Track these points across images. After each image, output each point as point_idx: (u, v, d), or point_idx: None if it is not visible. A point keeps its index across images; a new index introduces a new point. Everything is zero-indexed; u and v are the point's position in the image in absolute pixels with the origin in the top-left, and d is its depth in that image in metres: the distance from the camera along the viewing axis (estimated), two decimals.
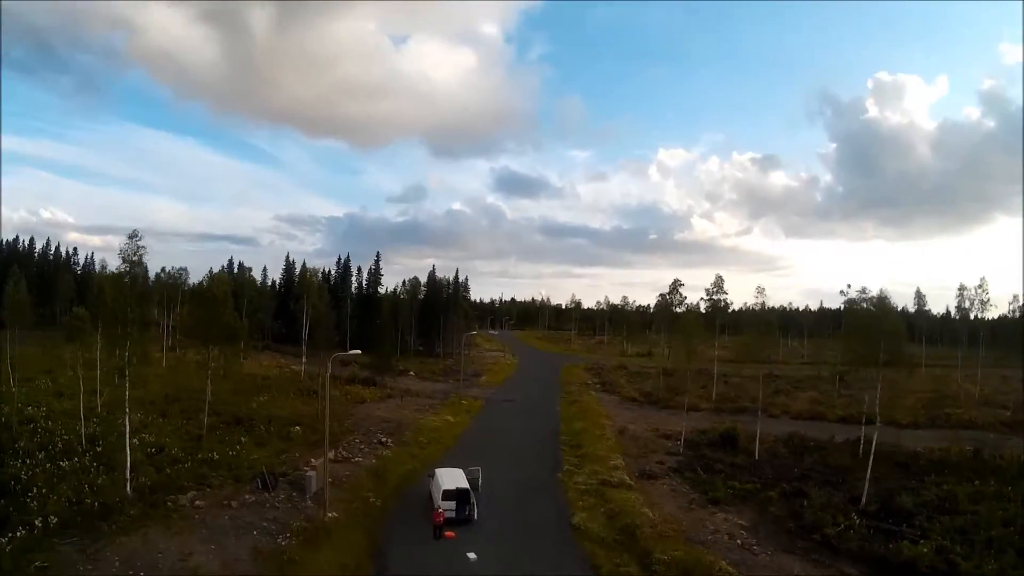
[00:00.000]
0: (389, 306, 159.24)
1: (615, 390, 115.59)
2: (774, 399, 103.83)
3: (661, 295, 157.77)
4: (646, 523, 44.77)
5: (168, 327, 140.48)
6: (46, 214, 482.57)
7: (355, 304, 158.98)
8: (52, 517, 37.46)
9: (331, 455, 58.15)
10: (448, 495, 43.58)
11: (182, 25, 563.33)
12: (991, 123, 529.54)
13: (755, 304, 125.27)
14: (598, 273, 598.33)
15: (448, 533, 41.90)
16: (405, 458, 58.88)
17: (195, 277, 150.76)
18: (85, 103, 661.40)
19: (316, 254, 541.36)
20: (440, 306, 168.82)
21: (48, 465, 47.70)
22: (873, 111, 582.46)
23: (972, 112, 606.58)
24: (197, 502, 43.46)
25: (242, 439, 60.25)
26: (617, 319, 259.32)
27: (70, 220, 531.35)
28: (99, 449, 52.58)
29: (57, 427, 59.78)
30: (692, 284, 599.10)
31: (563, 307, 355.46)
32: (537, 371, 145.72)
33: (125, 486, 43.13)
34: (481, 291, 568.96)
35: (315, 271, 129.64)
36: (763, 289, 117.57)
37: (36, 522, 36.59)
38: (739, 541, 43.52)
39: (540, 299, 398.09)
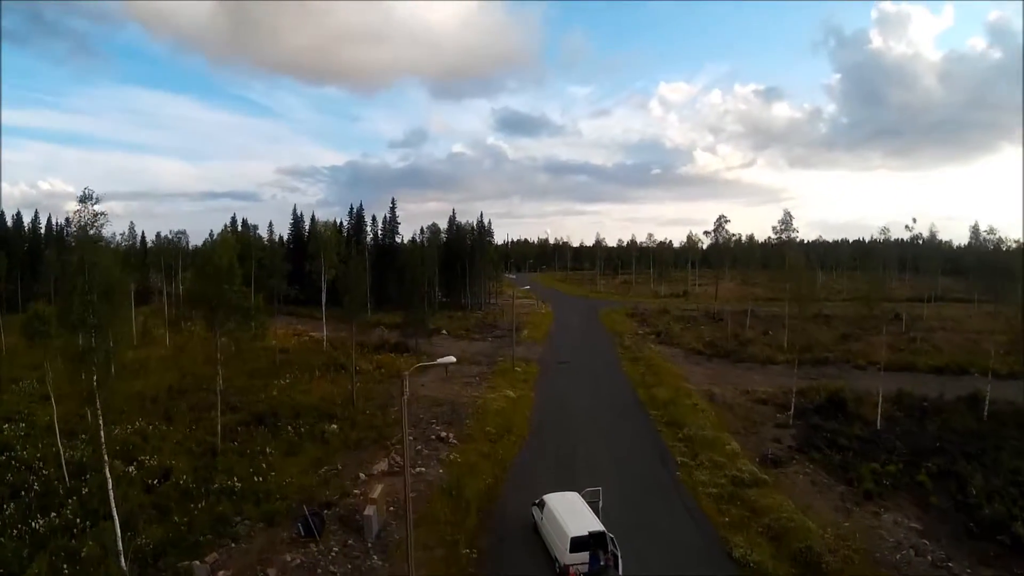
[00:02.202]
0: (410, 257, 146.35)
1: (672, 340, 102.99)
2: (848, 346, 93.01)
3: (708, 231, 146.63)
4: (819, 544, 33.52)
5: (171, 297, 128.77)
6: (45, 186, 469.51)
7: (373, 256, 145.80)
8: None
9: (383, 465, 46.01)
10: (578, 544, 30.86)
11: None
12: (997, 54, 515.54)
13: (784, 235, 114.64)
14: (601, 209, 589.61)
15: None
16: (478, 462, 46.10)
17: (200, 239, 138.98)
18: (80, 68, 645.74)
19: (320, 204, 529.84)
20: (465, 253, 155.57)
21: (20, 527, 35.36)
22: (877, 41, 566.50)
23: (978, 43, 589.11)
24: (220, 573, 31.07)
25: (268, 450, 47.90)
26: (645, 257, 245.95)
27: (70, 189, 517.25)
28: (85, 488, 40.17)
29: (37, 452, 47.72)
30: (697, 218, 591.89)
31: (582, 246, 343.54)
32: (576, 319, 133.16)
33: (119, 559, 30.65)
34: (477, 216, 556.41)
35: (328, 225, 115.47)
36: (791, 217, 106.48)
37: None
38: (929, 557, 33.87)
39: (556, 239, 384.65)
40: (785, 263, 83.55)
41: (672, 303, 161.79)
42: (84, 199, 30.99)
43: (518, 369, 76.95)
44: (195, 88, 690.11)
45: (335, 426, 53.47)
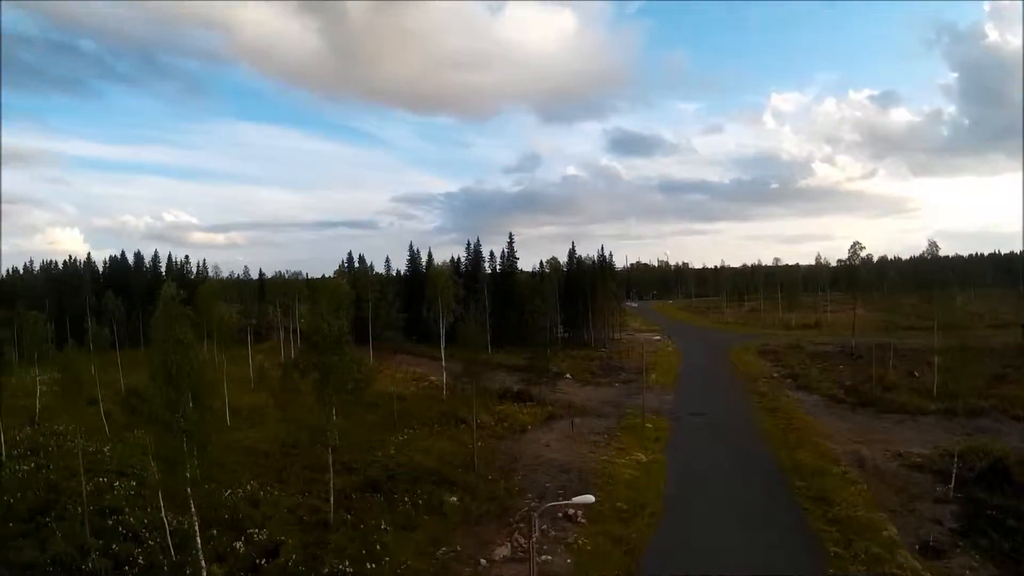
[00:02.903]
0: (530, 293, 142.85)
1: (809, 385, 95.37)
2: (1003, 389, 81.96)
3: (846, 258, 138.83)
4: None
5: (289, 332, 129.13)
6: (169, 217, 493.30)
7: (491, 291, 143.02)
8: None
9: (505, 549, 41.94)
10: None
11: (278, 18, 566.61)
12: None
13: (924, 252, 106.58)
14: (721, 228, 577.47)
15: None
16: (610, 550, 41.44)
17: (316, 268, 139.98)
18: (193, 106, 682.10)
19: (436, 231, 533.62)
20: (586, 286, 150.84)
21: None
22: (993, 35, 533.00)
23: None
24: None
25: (383, 525, 44.53)
26: (771, 282, 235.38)
27: (193, 221, 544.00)
28: (189, 570, 37.60)
29: (145, 517, 45.89)
30: (819, 233, 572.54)
31: (704, 268, 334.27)
32: (705, 359, 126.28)
33: None
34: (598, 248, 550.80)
35: (443, 268, 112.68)
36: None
37: None
38: None
39: (675, 263, 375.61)
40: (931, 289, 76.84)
41: (804, 335, 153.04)
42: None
43: (648, 425, 71.69)
44: (306, 121, 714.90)
45: (454, 498, 49.73)
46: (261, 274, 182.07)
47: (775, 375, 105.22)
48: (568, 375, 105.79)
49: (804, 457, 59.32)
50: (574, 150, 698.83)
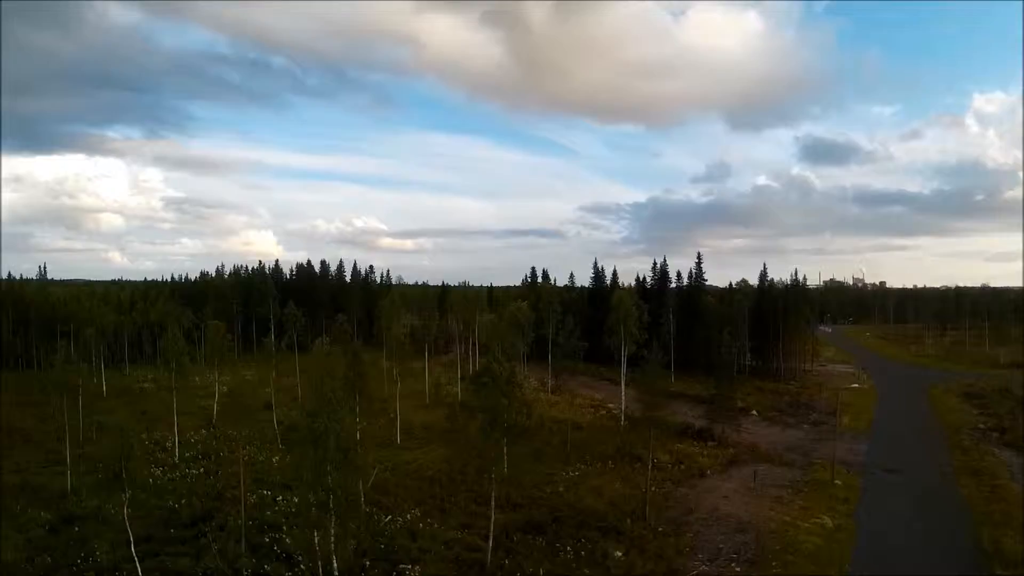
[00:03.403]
0: (717, 315, 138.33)
1: (1016, 441, 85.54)
2: None
3: None
4: None
5: (470, 344, 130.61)
6: (359, 222, 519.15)
7: (677, 315, 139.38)
8: None
9: None
10: None
11: (464, 31, 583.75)
12: None
13: None
14: (919, 244, 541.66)
15: None
16: None
17: (502, 276, 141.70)
18: (382, 117, 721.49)
19: (623, 242, 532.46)
20: (778, 311, 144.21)
21: None
22: None
23: None
24: None
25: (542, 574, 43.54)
26: (977, 309, 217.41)
27: (382, 227, 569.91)
28: None
29: (302, 536, 46.89)
30: None
31: (902, 289, 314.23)
32: (901, 401, 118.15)
33: None
34: (791, 271, 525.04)
35: (627, 294, 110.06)
36: None
37: None
38: None
39: (871, 282, 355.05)
40: None
41: (1015, 376, 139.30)
42: None
43: (837, 482, 67.01)
44: (492, 131, 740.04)
45: (620, 552, 48.05)
46: (444, 285, 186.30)
47: (980, 426, 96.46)
48: (754, 411, 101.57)
49: (1008, 543, 53.30)
50: (765, 158, 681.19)
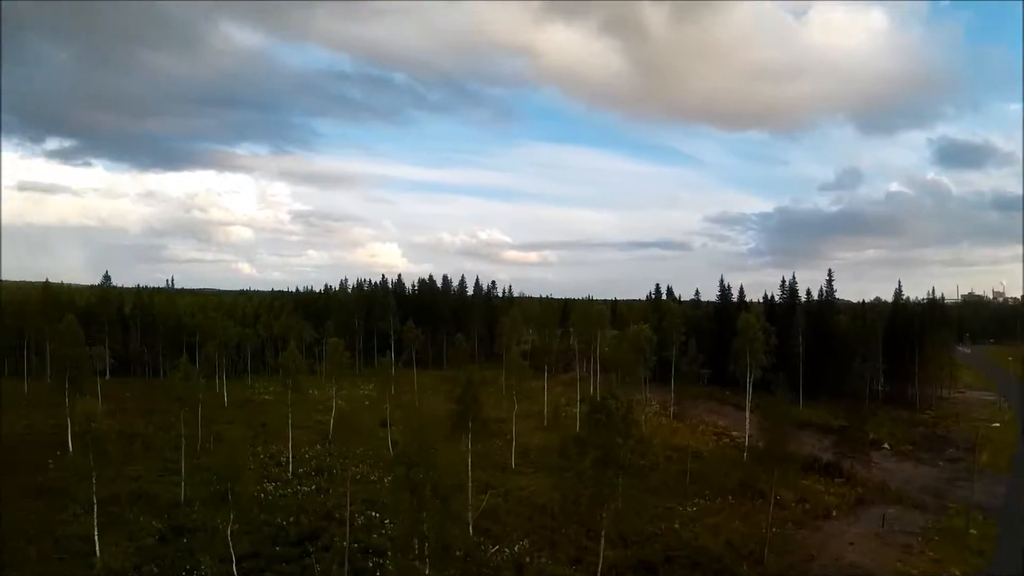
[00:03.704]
0: (849, 337, 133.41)
1: None
2: None
3: None
4: None
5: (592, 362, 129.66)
6: (483, 235, 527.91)
7: (806, 335, 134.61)
8: None
9: None
10: None
11: (581, 40, 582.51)
12: None
13: None
14: None
15: None
16: None
17: (627, 289, 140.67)
18: (501, 130, 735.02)
19: (751, 254, 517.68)
20: (913, 333, 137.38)
21: None
22: None
23: None
24: None
25: None
26: None
27: (506, 239, 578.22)
28: None
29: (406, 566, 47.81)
30: None
31: None
32: None
33: None
34: (928, 285, 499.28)
35: (753, 317, 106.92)
36: None
37: None
38: None
39: (1012, 296, 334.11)
40: None
41: None
42: None
43: (973, 532, 63.68)
44: (612, 141, 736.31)
45: None
46: (566, 299, 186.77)
47: None
48: (886, 444, 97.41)
49: None
50: (897, 163, 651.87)
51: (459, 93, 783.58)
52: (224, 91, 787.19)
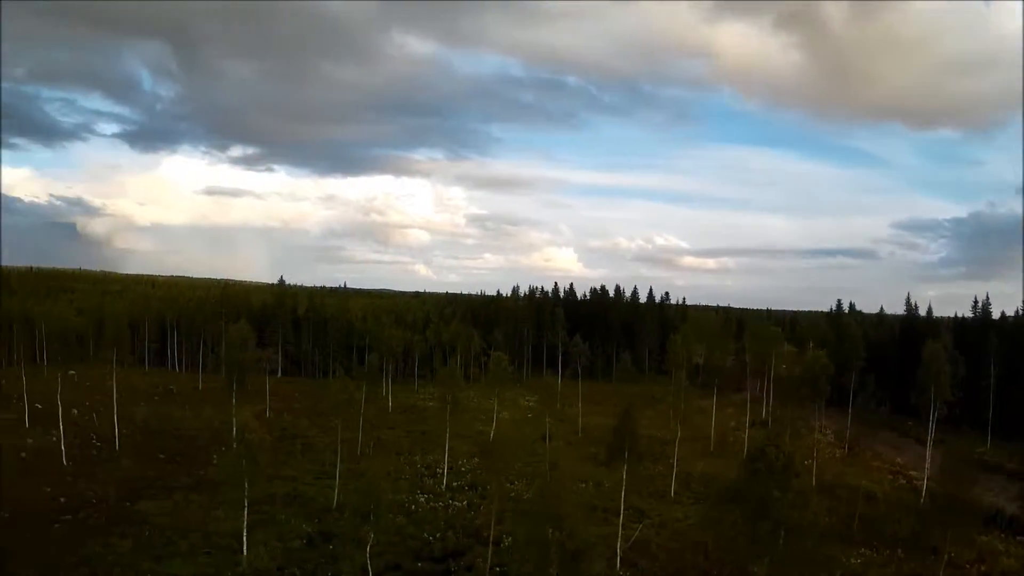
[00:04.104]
0: None
1: None
2: None
3: None
4: None
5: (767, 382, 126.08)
6: (660, 240, 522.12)
7: (998, 362, 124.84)
8: None
9: None
10: None
11: (757, 37, 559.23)
12: None
13: None
14: None
15: None
16: None
17: (808, 300, 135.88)
18: (679, 133, 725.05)
19: (942, 263, 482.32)
20: None
21: None
22: None
23: None
24: None
25: None
26: None
27: (683, 245, 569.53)
28: None
29: None
30: None
31: None
32: None
33: None
34: None
35: (942, 343, 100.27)
36: None
37: None
38: None
39: None
40: None
41: None
42: None
43: None
44: (794, 141, 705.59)
45: None
46: (742, 311, 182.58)
47: None
48: None
49: None
50: None
51: (634, 95, 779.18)
52: (400, 98, 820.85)
